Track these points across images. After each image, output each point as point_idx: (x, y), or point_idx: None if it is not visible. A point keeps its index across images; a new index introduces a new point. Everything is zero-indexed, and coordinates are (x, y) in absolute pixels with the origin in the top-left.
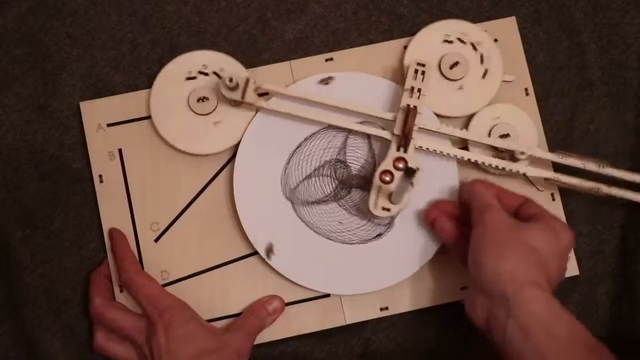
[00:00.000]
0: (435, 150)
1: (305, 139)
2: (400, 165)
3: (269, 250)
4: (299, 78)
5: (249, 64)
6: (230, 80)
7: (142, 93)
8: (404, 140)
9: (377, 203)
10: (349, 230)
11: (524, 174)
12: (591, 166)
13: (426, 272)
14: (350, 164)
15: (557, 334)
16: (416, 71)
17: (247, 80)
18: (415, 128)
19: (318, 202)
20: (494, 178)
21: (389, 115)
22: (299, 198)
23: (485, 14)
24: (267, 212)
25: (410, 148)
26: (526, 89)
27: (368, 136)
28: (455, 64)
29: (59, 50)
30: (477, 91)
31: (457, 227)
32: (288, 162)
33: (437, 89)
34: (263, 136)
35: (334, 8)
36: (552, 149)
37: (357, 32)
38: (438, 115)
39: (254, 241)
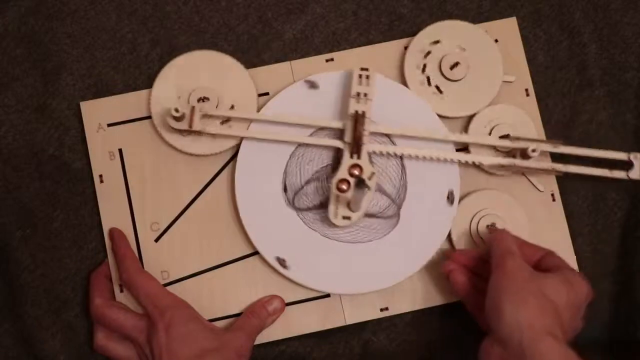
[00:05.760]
0: (388, 153)
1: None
2: (356, 172)
3: (282, 261)
4: (300, 78)
5: (249, 64)
6: (177, 110)
7: (142, 93)
8: (356, 147)
9: (337, 213)
10: (349, 231)
11: (479, 163)
12: (545, 147)
13: (426, 272)
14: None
15: None
16: (360, 76)
17: (193, 109)
18: (365, 133)
19: (318, 206)
20: (495, 178)
21: (338, 124)
22: (300, 204)
23: (485, 14)
24: (269, 212)
25: (364, 153)
26: (526, 90)
27: None
28: (456, 64)
29: (59, 50)
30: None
31: (471, 279)
32: (287, 165)
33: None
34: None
35: (334, 8)
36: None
37: (357, 32)
38: (439, 116)
39: (261, 250)
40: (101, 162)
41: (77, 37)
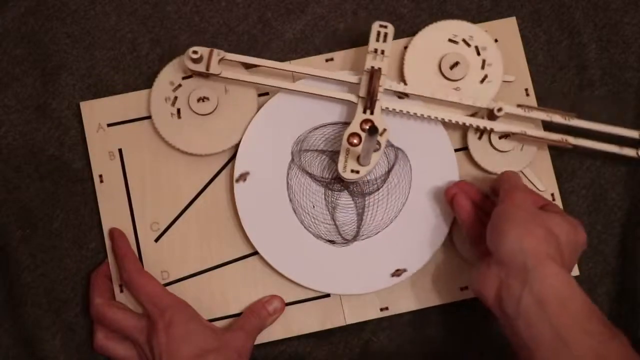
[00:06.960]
0: (402, 111)
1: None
2: (367, 127)
3: (398, 271)
4: (299, 78)
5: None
6: (195, 52)
7: (142, 93)
8: (370, 102)
9: (346, 166)
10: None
11: (491, 129)
12: (557, 118)
13: (426, 272)
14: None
15: (575, 308)
16: (378, 33)
17: (211, 52)
18: (380, 89)
19: (360, 220)
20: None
21: (353, 78)
22: (349, 235)
23: (485, 14)
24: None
25: (377, 109)
26: (526, 89)
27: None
28: (456, 64)
29: (59, 50)
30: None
31: (474, 208)
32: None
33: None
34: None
35: (334, 8)
36: (552, 148)
37: (357, 32)
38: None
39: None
40: (101, 162)
41: (77, 37)
